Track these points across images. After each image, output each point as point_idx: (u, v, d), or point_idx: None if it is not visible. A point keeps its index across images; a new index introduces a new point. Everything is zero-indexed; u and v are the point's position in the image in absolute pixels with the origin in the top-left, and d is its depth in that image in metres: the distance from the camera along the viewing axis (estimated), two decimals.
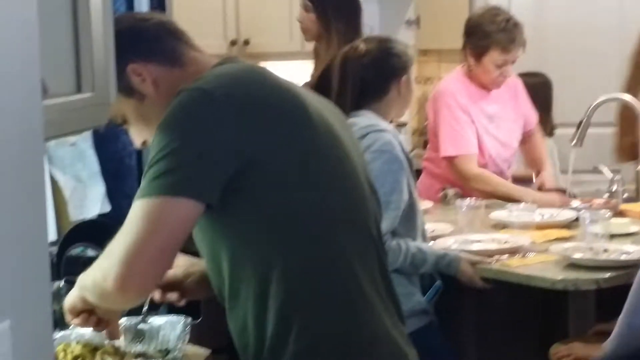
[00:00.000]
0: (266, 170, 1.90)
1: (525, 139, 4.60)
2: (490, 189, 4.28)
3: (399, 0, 6.21)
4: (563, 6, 5.83)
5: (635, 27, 5.61)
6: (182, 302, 2.23)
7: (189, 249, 2.04)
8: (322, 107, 2.08)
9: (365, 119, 3.25)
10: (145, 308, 2.31)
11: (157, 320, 2.38)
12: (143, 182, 1.88)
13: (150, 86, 2.04)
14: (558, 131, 4.86)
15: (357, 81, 3.33)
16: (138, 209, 1.86)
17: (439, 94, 4.47)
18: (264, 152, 1.89)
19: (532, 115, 4.62)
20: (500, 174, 4.44)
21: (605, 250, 3.39)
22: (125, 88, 2.00)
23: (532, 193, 4.25)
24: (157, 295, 2.21)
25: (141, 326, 2.33)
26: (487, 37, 4.28)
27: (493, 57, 4.30)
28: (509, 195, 4.23)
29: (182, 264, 2.21)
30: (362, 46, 3.38)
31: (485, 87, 4.42)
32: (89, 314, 2.09)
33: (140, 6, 2.94)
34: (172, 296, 2.21)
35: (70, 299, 2.09)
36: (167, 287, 2.20)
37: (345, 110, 3.05)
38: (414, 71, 3.46)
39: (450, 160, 4.37)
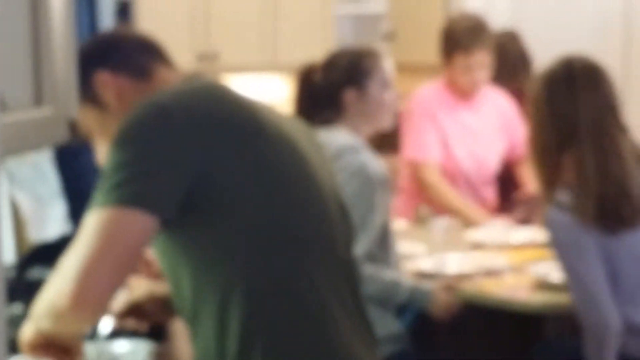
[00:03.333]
0: (221, 189, 1.87)
1: (516, 164, 4.52)
2: (442, 201, 4.24)
3: (373, 14, 6.15)
4: (542, 17, 5.77)
5: (614, 40, 5.59)
6: (144, 328, 2.16)
7: None
8: (287, 125, 2.04)
9: (338, 137, 3.17)
10: (104, 333, 2.22)
11: (118, 346, 2.28)
12: (97, 194, 1.84)
13: (113, 97, 2.02)
14: None
15: (311, 98, 3.24)
16: (92, 221, 1.82)
17: (411, 101, 4.45)
18: (219, 170, 1.86)
19: (523, 145, 4.53)
20: (473, 191, 4.38)
21: None
22: (91, 97, 2.01)
23: (482, 216, 4.17)
24: (115, 322, 2.14)
25: (102, 352, 2.22)
26: (451, 39, 4.30)
27: (458, 60, 4.27)
28: (458, 212, 4.17)
29: (143, 287, 2.16)
30: (317, 63, 3.30)
31: (464, 96, 4.37)
32: (48, 346, 1.99)
33: (103, 16, 2.86)
34: (131, 323, 2.14)
35: (26, 333, 2.00)
36: (126, 313, 2.13)
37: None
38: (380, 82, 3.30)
39: (410, 165, 4.36)
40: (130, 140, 1.86)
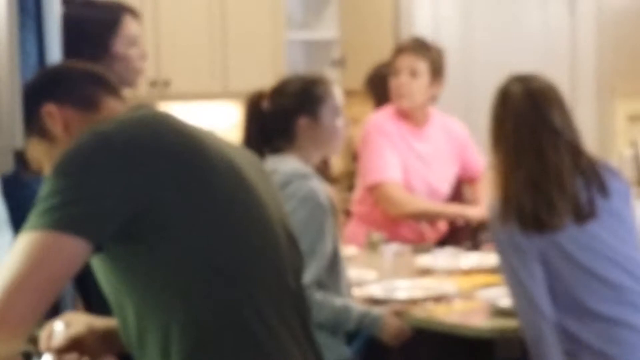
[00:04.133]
0: (162, 219, 1.87)
1: (470, 184, 4.61)
2: (417, 210, 4.30)
3: (324, 41, 6.18)
4: (489, 45, 5.84)
5: (561, 64, 5.67)
6: None
7: None
8: (234, 154, 2.05)
9: (288, 164, 3.17)
10: None
11: None
12: (30, 217, 1.85)
13: (60, 129, 2.05)
14: None
15: (260, 126, 3.24)
16: (22, 242, 1.83)
17: (366, 127, 4.49)
18: (159, 199, 1.87)
19: (477, 164, 4.61)
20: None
21: None
22: (39, 129, 2.04)
23: (465, 208, 4.25)
24: (54, 359, 2.10)
25: None
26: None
27: (392, 65, 4.42)
28: (441, 213, 4.28)
29: (82, 321, 2.15)
30: (265, 90, 3.29)
31: (415, 124, 4.43)
32: None
33: (51, 49, 2.85)
34: (71, 358, 2.11)
35: None
36: (66, 348, 2.11)
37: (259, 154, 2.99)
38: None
39: (374, 189, 4.34)
40: (68, 167, 1.88)
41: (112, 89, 2.12)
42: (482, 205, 4.51)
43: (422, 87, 4.36)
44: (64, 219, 1.82)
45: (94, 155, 1.88)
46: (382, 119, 4.47)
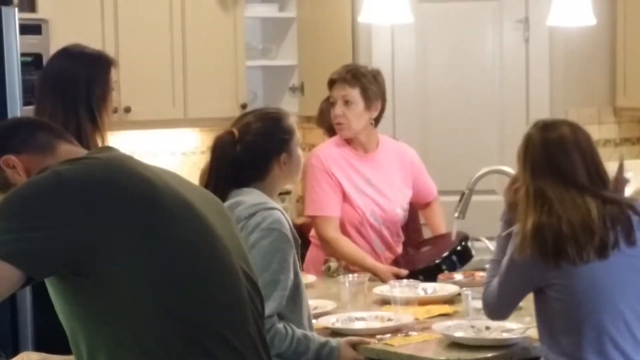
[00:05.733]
0: (108, 261, 1.91)
1: (424, 207, 4.71)
2: (342, 254, 4.39)
3: (282, 67, 6.21)
4: (446, 75, 5.90)
5: (515, 101, 5.77)
6: None
7: None
8: (191, 196, 2.08)
9: (252, 196, 3.19)
10: None
11: None
12: None
13: (22, 174, 2.10)
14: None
15: (232, 168, 3.23)
16: None
17: (308, 156, 4.53)
18: (106, 241, 1.91)
19: (430, 188, 4.71)
20: (379, 235, 4.48)
21: (488, 328, 3.39)
22: (2, 185, 2.10)
23: (382, 266, 4.31)
24: None
25: None
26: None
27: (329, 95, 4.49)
28: (359, 264, 4.32)
29: (37, 358, 2.20)
30: (234, 130, 3.27)
31: (364, 150, 4.50)
32: None
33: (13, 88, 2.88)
34: None
35: None
36: None
37: (224, 195, 3.04)
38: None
39: (312, 219, 4.46)
40: (16, 199, 1.93)
41: (62, 135, 2.17)
42: (438, 226, 4.61)
43: (358, 114, 4.43)
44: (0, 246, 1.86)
45: (42, 191, 1.93)
46: (325, 149, 4.53)
